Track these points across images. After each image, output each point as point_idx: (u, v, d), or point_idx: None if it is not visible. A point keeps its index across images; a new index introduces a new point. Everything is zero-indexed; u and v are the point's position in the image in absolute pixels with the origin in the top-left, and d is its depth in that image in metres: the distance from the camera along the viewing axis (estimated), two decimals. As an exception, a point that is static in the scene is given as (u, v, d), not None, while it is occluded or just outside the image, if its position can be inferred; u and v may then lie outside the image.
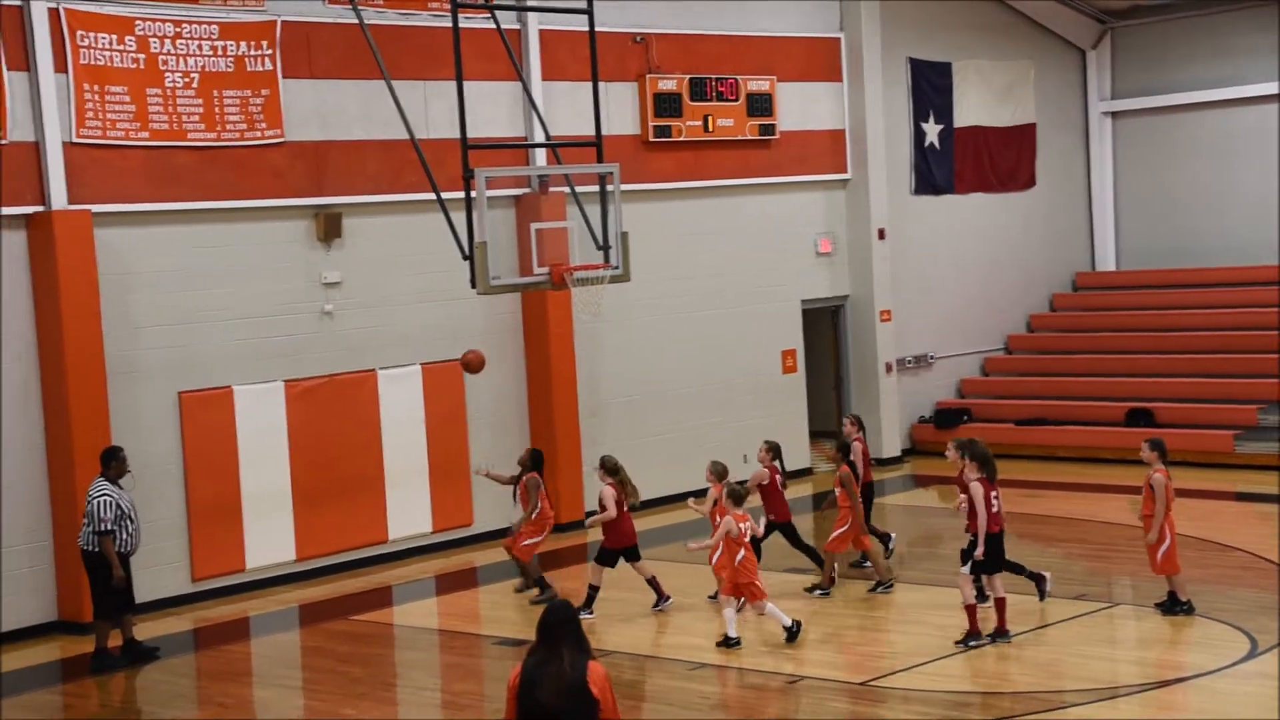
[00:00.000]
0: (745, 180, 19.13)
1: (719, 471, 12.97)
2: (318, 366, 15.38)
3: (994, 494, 11.51)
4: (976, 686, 10.44)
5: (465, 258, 13.43)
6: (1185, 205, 22.75)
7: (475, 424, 16.60)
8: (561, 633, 6.58)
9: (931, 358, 21.50)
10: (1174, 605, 11.79)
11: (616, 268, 14.21)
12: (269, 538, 14.78)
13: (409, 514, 15.97)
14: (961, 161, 21.71)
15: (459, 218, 13.42)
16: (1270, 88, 21.67)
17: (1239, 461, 18.59)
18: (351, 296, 15.68)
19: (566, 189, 15.55)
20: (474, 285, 13.42)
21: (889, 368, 20.54)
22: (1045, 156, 22.79)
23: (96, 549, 12.05)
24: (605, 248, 14.34)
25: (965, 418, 21.15)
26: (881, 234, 20.33)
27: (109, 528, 11.99)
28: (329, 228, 15.41)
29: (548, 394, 17.02)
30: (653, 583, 13.09)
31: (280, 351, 15.14)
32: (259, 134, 14.85)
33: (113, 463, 12.31)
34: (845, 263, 20.34)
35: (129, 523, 12.19)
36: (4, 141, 13.26)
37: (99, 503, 12.03)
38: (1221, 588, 12.79)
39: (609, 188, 14.13)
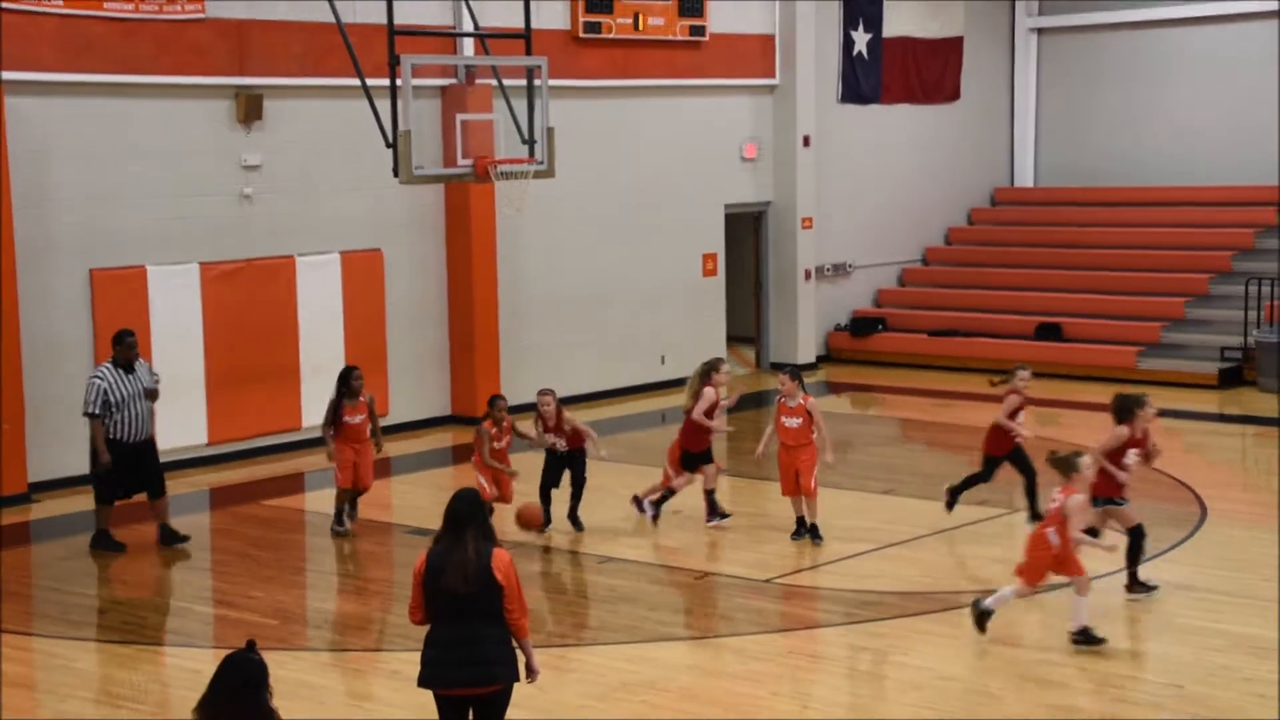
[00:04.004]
0: (673, 81, 19.04)
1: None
2: (235, 250, 15.21)
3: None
4: (878, 586, 10.70)
5: (389, 146, 13.31)
6: (1106, 125, 23.00)
7: (394, 316, 16.54)
8: (467, 520, 6.68)
9: (850, 267, 21.68)
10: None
11: (541, 163, 14.16)
12: (181, 420, 14.66)
13: (324, 402, 15.84)
14: (889, 72, 21.75)
15: (384, 106, 13.27)
16: (1197, 9, 21.90)
17: (1141, 377, 19.02)
18: (272, 181, 15.47)
19: (493, 81, 15.40)
20: (397, 175, 13.32)
21: (808, 275, 20.69)
22: (971, 70, 22.90)
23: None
24: (531, 142, 14.26)
25: (880, 327, 21.42)
26: (806, 141, 20.37)
27: (91, 410, 11.64)
28: (250, 109, 15.15)
29: (468, 289, 16.97)
30: (711, 495, 12.52)
31: (197, 234, 14.95)
32: (179, 8, 14.51)
33: (116, 347, 11.90)
34: (770, 169, 20.37)
35: (127, 410, 11.70)
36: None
37: (87, 385, 11.79)
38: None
39: (536, 82, 14.02)
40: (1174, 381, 18.68)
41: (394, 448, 16.02)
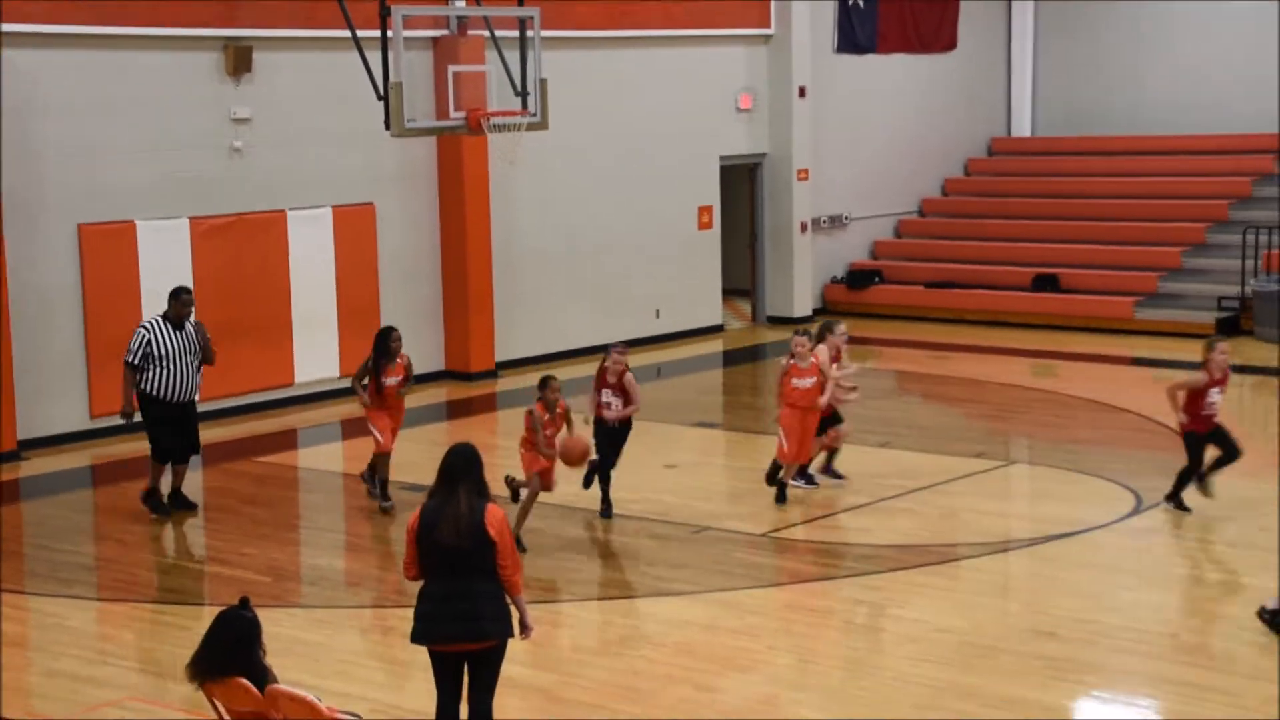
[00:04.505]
0: (668, 31, 18.84)
1: None
2: (225, 205, 15.08)
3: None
4: (874, 539, 10.67)
5: (380, 98, 13.16)
6: (1103, 74, 22.81)
7: (386, 270, 16.43)
8: (461, 475, 6.63)
9: (846, 218, 21.55)
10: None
11: (535, 115, 14.01)
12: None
13: (316, 358, 15.84)
14: (885, 20, 21.54)
15: (375, 58, 13.11)
16: (1194, -41, 21.70)
17: (1138, 328, 18.99)
18: (262, 134, 15.32)
19: (486, 33, 15.22)
20: (388, 127, 13.18)
21: (804, 227, 20.57)
22: (968, 19, 22.68)
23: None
24: (524, 94, 14.11)
25: (877, 279, 21.32)
26: (802, 92, 20.20)
27: (131, 359, 11.40)
28: (239, 61, 14.98)
29: (461, 242, 16.86)
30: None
31: (186, 188, 14.81)
32: (166, -40, 14.32)
33: (171, 302, 11.59)
34: (765, 120, 20.21)
35: (170, 367, 11.36)
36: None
37: (135, 334, 11.54)
38: (1113, 448, 13.14)
39: (529, 33, 13.86)
40: (1171, 332, 18.63)
41: (388, 403, 16.00)
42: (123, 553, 10.97)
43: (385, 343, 11.63)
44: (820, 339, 11.71)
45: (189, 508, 11.80)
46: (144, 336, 11.44)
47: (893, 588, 9.71)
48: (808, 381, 11.23)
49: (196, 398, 11.75)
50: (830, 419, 11.71)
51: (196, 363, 11.60)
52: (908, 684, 8.09)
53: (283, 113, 15.45)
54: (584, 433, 10.87)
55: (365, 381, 11.67)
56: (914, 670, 8.27)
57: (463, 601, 6.54)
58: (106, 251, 14.20)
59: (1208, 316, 18.80)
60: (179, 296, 11.60)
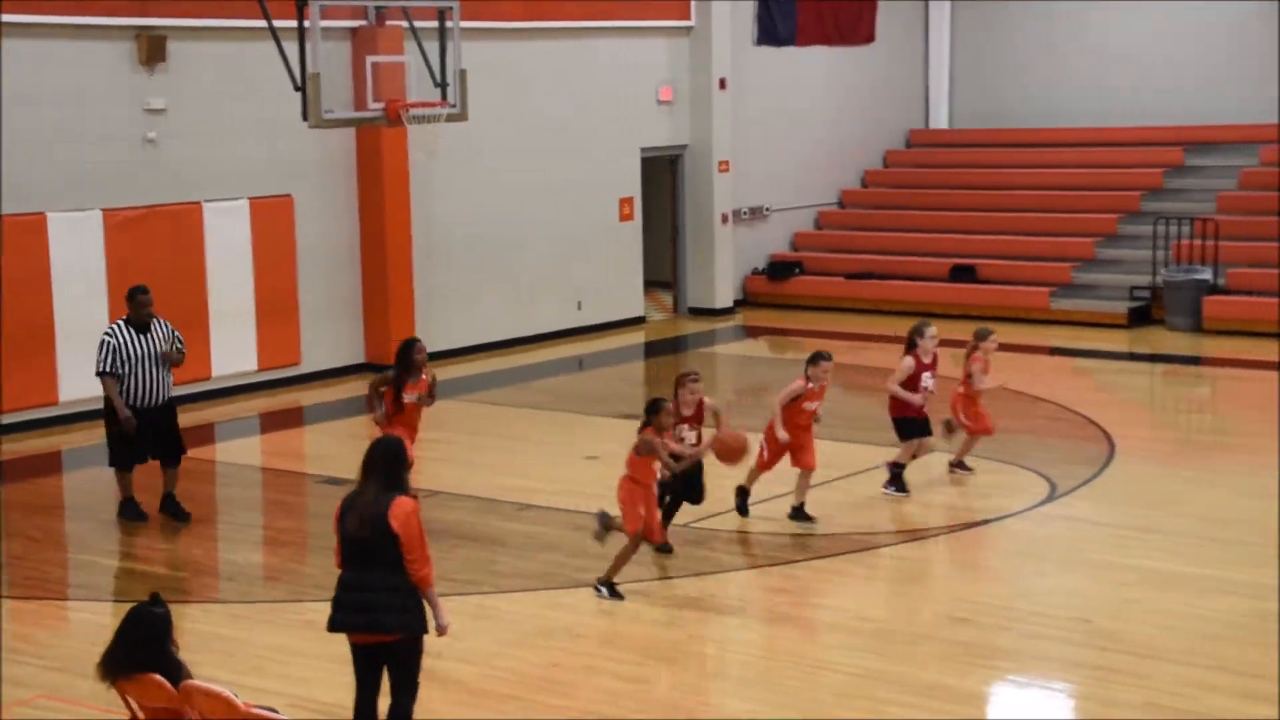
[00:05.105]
0: (588, 23, 18.81)
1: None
2: (139, 196, 14.85)
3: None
4: (795, 529, 10.73)
5: (297, 89, 12.99)
6: (1019, 67, 23.09)
7: (305, 262, 16.27)
8: (376, 466, 6.66)
9: (767, 210, 21.66)
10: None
11: (454, 106, 13.92)
12: (83, 371, 14.24)
13: (234, 352, 15.65)
14: (804, 14, 21.65)
15: (292, 48, 12.95)
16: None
17: (1053, 317, 19.27)
18: (176, 125, 15.10)
19: (404, 23, 15.10)
20: (306, 118, 13.03)
21: (725, 219, 20.64)
22: (886, 12, 22.86)
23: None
24: (443, 85, 14.02)
25: (797, 270, 21.45)
26: (723, 84, 20.26)
27: (102, 368, 10.92)
28: (152, 51, 14.75)
29: (381, 233, 16.73)
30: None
31: (99, 179, 14.57)
32: (76, -53, 14.06)
33: (128, 304, 11.10)
34: (686, 112, 20.25)
35: (137, 372, 10.88)
36: None
37: (99, 343, 11.01)
38: (1029, 436, 13.32)
39: (448, 24, 13.77)
40: (1085, 321, 18.93)
41: (307, 396, 15.88)
42: (32, 549, 10.77)
43: (409, 355, 10.70)
44: (975, 348, 11.81)
45: (182, 517, 11.16)
46: (109, 343, 10.95)
47: (813, 577, 9.78)
48: (816, 404, 10.78)
49: (171, 397, 11.25)
50: (921, 428, 11.42)
51: (175, 352, 11.09)
52: (829, 672, 8.15)
53: (198, 103, 15.24)
54: (729, 431, 9.69)
55: (383, 393, 10.76)
56: (835, 658, 8.33)
57: (365, 592, 6.55)
58: (18, 245, 13.93)
59: (1120, 306, 19.12)
60: (135, 298, 11.03)
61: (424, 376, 10.77)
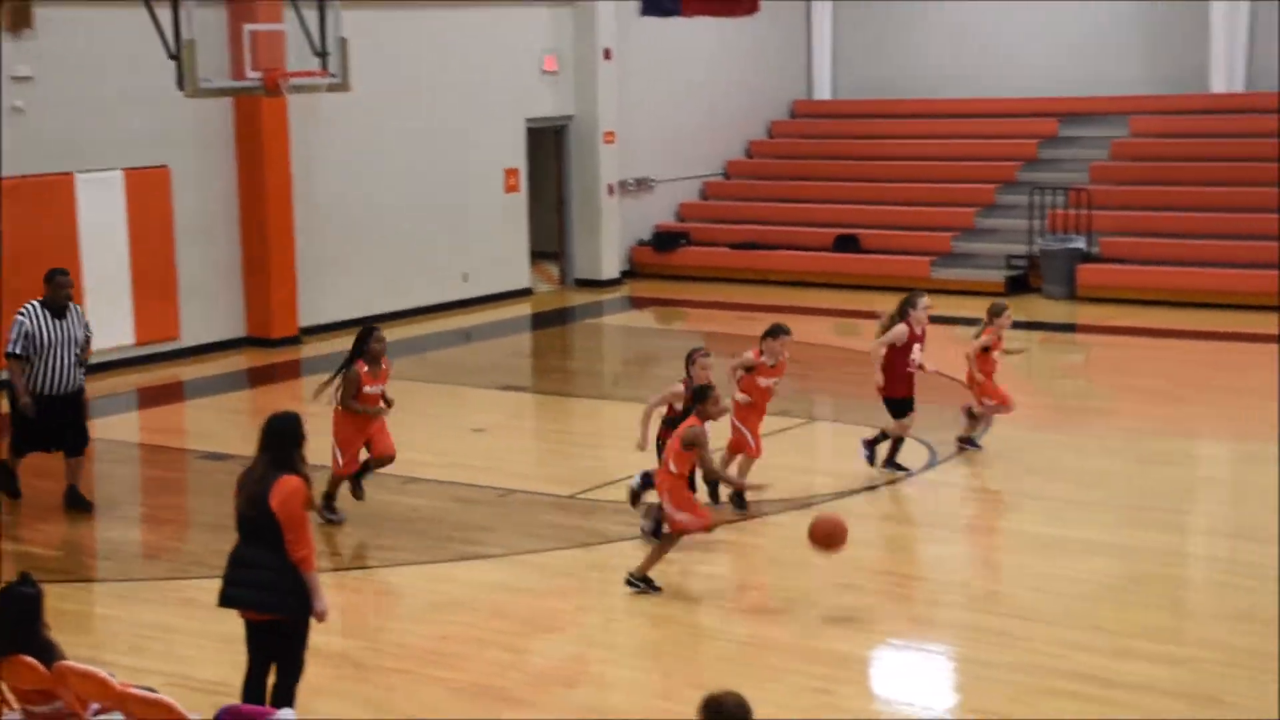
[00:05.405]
0: (470, -9, 18.66)
1: None
2: (7, 167, 14.44)
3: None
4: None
5: (172, 58, 12.71)
6: (901, 38, 23.33)
7: (182, 235, 15.96)
8: (268, 443, 6.60)
9: (653, 181, 21.69)
10: None
11: (336, 76, 13.73)
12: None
13: (110, 326, 15.27)
14: (689, -16, 21.64)
15: (165, 15, 12.66)
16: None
17: (934, 286, 19.50)
18: (45, 94, 14.70)
19: (282, -11, 14.85)
20: (181, 87, 12.76)
21: (611, 189, 20.63)
22: (770, -16, 22.94)
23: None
24: (323, 54, 13.81)
25: (683, 241, 21.52)
26: (608, 54, 20.22)
27: (11, 349, 10.36)
28: (18, 17, 14.34)
29: (261, 205, 16.46)
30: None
31: (-35, 150, 14.15)
32: (-63, -91, 13.59)
33: (47, 285, 10.51)
34: (571, 83, 20.17)
35: (48, 358, 10.33)
36: None
37: (13, 322, 10.43)
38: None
39: (328, -9, 13.58)
40: (965, 290, 19.23)
41: (187, 371, 15.61)
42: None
43: (367, 343, 10.05)
44: (989, 323, 11.59)
45: (84, 507, 10.73)
46: (23, 325, 10.42)
47: (698, 545, 9.84)
48: (772, 380, 10.56)
49: (82, 388, 10.79)
50: (903, 404, 11.19)
51: (78, 351, 10.61)
52: (713, 640, 8.24)
53: (68, 72, 14.84)
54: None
55: (337, 387, 10.12)
56: (719, 626, 8.42)
57: (246, 568, 6.55)
58: (-121, 217, 13.48)
59: (998, 275, 19.48)
60: (54, 279, 10.51)
61: (385, 365, 10.19)
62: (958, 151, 21.78)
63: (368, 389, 10.04)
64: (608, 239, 20.67)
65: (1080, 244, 19.14)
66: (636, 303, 20.02)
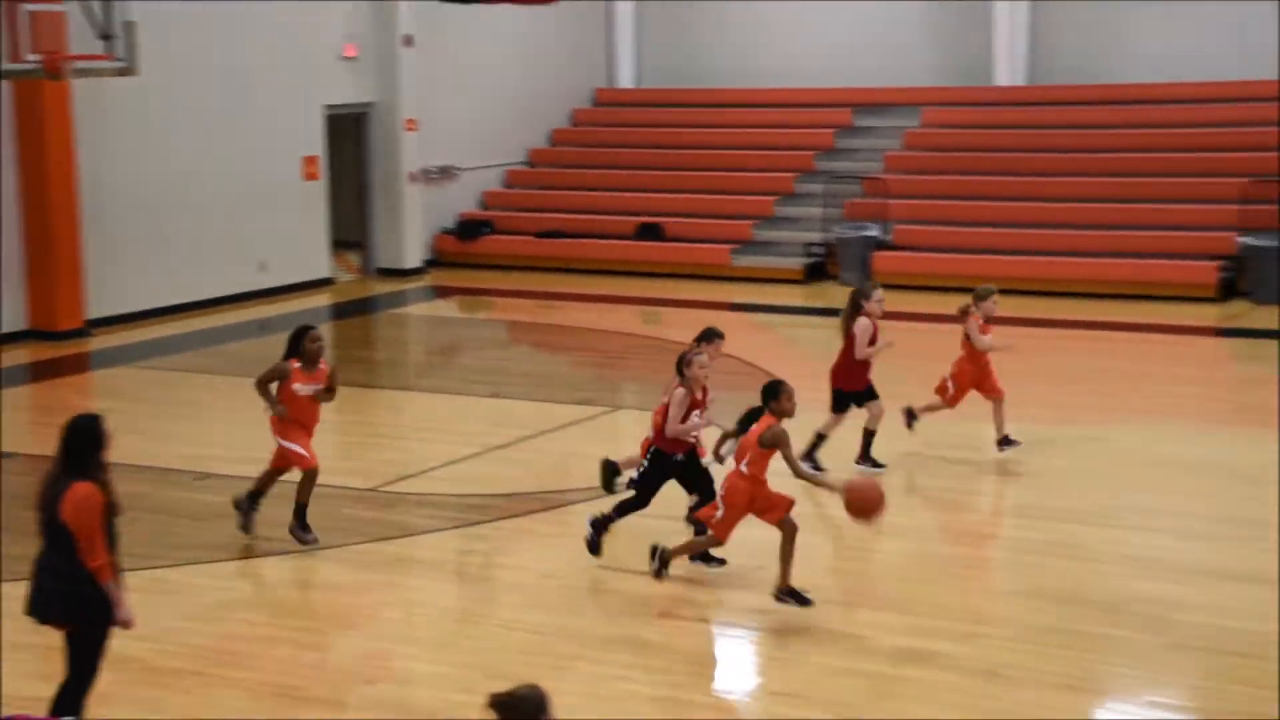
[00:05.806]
0: (265, -26, 18.25)
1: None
2: None
3: None
4: (483, 489, 10.77)
5: (-59, 38, 12.18)
6: (702, 27, 23.60)
7: (-41, 223, 15.29)
8: (66, 449, 6.41)
9: (455, 169, 21.53)
10: None
11: (123, 60, 13.32)
12: None
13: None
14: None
15: (-67, -8, 12.12)
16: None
17: (735, 274, 19.88)
18: None
19: (62, -31, 14.31)
20: (-48, 69, 12.22)
21: (413, 177, 20.42)
22: (572, -28, 22.97)
23: None
24: (109, 37, 13.37)
25: (486, 229, 21.43)
26: (408, 41, 19.99)
27: None
28: None
29: (43, 192, 15.86)
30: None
31: None
32: None
33: None
34: (372, 69, 19.90)
35: None
36: None
37: None
38: (713, 391, 13.66)
39: (111, -29, 13.15)
40: (765, 278, 19.60)
41: (-34, 367, 14.95)
42: None
43: (300, 344, 9.51)
44: (966, 308, 11.17)
45: None
46: None
47: (501, 536, 9.84)
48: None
49: None
50: (860, 395, 10.96)
51: None
52: (514, 631, 8.23)
53: None
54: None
55: (278, 386, 9.54)
56: (521, 617, 8.42)
57: (40, 574, 6.38)
58: None
59: (797, 263, 19.89)
60: None
61: (321, 366, 9.62)
62: (757, 141, 22.13)
63: (297, 387, 9.48)
64: (410, 227, 20.47)
65: (875, 232, 19.65)
66: (440, 292, 19.88)
